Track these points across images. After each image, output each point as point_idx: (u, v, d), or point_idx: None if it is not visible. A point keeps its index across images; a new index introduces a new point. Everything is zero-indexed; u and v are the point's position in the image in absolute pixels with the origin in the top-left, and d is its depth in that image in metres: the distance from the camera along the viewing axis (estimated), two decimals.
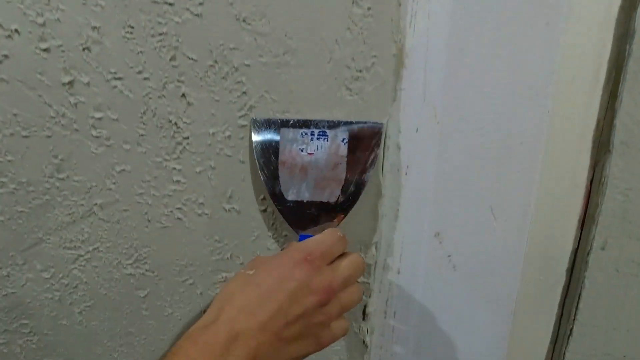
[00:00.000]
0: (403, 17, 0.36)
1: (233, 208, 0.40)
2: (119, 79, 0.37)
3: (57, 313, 0.45)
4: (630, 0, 0.34)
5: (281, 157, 0.37)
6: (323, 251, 0.33)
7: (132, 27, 0.35)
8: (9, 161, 0.39)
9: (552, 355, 0.44)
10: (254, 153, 0.37)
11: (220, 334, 0.29)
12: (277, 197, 0.37)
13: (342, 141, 0.36)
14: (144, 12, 0.35)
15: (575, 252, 0.41)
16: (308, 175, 0.37)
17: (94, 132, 0.38)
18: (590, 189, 0.39)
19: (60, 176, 0.40)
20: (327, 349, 0.38)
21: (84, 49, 0.36)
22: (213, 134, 0.38)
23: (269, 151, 0.37)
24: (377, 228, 0.40)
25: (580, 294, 0.41)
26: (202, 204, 0.40)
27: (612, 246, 0.39)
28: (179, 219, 0.41)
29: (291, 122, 0.37)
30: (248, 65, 0.36)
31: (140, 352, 0.45)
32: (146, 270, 0.43)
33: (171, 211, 0.41)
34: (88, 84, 0.37)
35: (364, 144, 0.37)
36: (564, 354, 0.42)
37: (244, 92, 0.37)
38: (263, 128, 0.37)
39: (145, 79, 0.37)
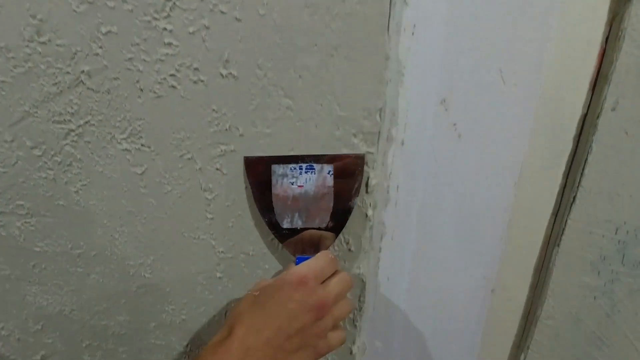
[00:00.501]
0: None
1: (230, 73, 0.38)
2: None
3: (53, 193, 0.43)
4: None
5: (274, 191, 0.41)
6: (316, 274, 0.38)
7: None
8: None
9: (553, 224, 0.44)
10: (250, 188, 0.41)
11: (234, 350, 0.34)
12: (273, 226, 0.42)
13: (328, 173, 0.40)
14: None
15: (584, 118, 0.40)
16: (300, 205, 0.41)
17: None
18: (605, 48, 0.38)
19: (42, 39, 0.37)
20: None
21: None
22: None
23: (263, 186, 0.41)
24: (382, 94, 0.39)
25: (586, 159, 0.40)
26: (196, 69, 0.38)
27: (623, 107, 0.38)
28: (172, 86, 0.39)
29: (281, 158, 0.40)
30: None
31: (141, 232, 0.45)
32: (141, 145, 0.41)
33: (164, 78, 0.38)
34: None
35: (348, 174, 0.40)
36: (566, 221, 0.43)
37: None
38: (255, 165, 0.41)
39: None
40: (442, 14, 0.37)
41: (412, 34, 0.38)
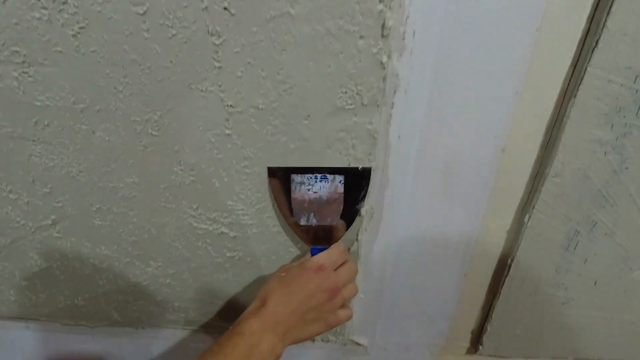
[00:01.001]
0: None
1: None
2: None
3: (49, 37, 0.41)
4: None
5: (293, 195, 0.49)
6: (331, 263, 0.49)
7: None
8: None
9: (571, 75, 0.43)
10: (272, 193, 0.49)
11: (268, 316, 0.45)
12: (291, 223, 0.50)
13: (340, 182, 0.48)
14: None
15: None
16: (314, 208, 0.49)
17: None
18: None
19: None
20: (340, 76, 0.36)
21: None
22: None
23: (283, 191, 0.48)
24: None
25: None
26: None
27: None
28: None
29: (299, 169, 0.47)
30: None
31: (145, 83, 0.43)
32: None
33: None
34: None
35: (356, 183, 0.48)
36: (585, 69, 0.41)
37: None
38: (278, 174, 0.48)
39: None
40: None
41: None
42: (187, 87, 0.43)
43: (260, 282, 0.57)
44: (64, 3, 0.39)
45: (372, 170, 0.48)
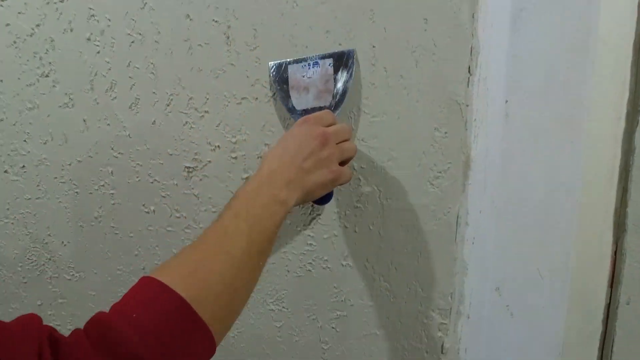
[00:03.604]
0: (469, 136, 0.53)
1: (348, 264, 0.58)
2: None
3: None
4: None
5: (291, 84, 0.55)
6: (315, 118, 0.51)
7: None
8: (201, 228, 0.60)
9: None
10: (273, 84, 0.56)
11: (264, 172, 0.46)
12: (291, 110, 0.56)
13: (329, 65, 0.54)
14: None
15: (609, 306, 0.54)
16: (310, 91, 0.54)
17: None
18: (615, 258, 0.53)
19: None
20: None
21: (258, 157, 0.57)
22: None
23: (282, 82, 0.55)
24: (452, 282, 0.56)
25: (613, 340, 0.53)
26: (326, 260, 0.58)
27: (635, 302, 0.52)
28: (309, 270, 0.59)
29: (296, 60, 0.55)
30: (363, 168, 0.55)
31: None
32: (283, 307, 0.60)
33: (304, 264, 0.59)
34: None
35: (343, 64, 0.54)
36: None
37: (360, 185, 0.56)
38: (277, 67, 0.55)
39: None
40: (493, 231, 0.55)
41: (472, 243, 0.56)
42: None
43: None
44: None
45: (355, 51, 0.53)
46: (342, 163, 0.50)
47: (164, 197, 0.60)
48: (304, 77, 0.54)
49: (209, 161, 0.58)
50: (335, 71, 0.54)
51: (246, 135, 0.56)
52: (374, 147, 0.55)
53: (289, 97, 0.55)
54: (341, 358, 0.59)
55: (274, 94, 0.57)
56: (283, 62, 0.55)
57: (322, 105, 0.54)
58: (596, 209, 0.52)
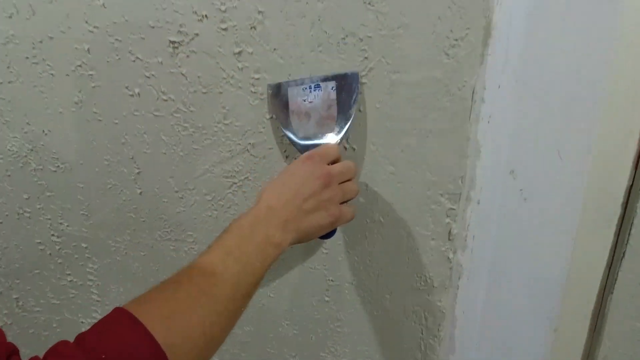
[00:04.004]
0: None
1: (352, 147, 0.53)
2: (275, 49, 0.51)
3: (213, 228, 0.60)
4: None
5: (291, 108, 0.51)
6: (320, 154, 0.48)
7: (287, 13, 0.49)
8: (191, 111, 0.55)
9: (607, 275, 0.53)
10: (271, 107, 0.52)
11: (261, 209, 0.44)
12: (291, 136, 0.51)
13: (332, 89, 0.50)
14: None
15: (630, 188, 0.50)
16: (311, 117, 0.51)
17: (252, 89, 0.53)
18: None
19: (226, 122, 0.55)
20: (417, 265, 0.51)
21: (251, 28, 0.50)
22: None
23: (282, 105, 0.51)
24: (464, 165, 0.52)
25: (632, 222, 0.50)
26: None
27: None
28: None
29: (295, 82, 0.50)
30: (370, 37, 0.49)
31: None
32: None
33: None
34: (252, 53, 0.51)
35: (347, 88, 0.50)
36: (617, 273, 0.52)
37: (366, 57, 0.50)
38: (276, 90, 0.51)
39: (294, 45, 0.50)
40: (511, 109, 0.50)
41: (488, 122, 0.51)
42: None
43: None
44: (228, 208, 0.58)
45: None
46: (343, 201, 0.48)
47: (148, 77, 0.54)
48: (304, 101, 0.50)
49: (196, 34, 0.51)
50: (338, 95, 0.50)
51: (237, 1, 0.49)
52: (382, 12, 0.48)
53: (290, 122, 0.51)
54: (341, 247, 0.57)
55: (272, 117, 0.53)
56: (282, 83, 0.51)
57: (324, 132, 0.51)
58: (627, 89, 0.47)
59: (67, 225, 0.64)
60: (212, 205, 0.59)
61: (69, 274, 0.67)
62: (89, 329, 0.34)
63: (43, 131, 0.59)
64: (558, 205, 0.52)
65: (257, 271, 0.41)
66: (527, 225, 0.54)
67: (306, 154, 0.48)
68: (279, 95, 0.51)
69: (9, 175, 0.62)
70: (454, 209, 0.53)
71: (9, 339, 0.32)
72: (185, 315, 0.36)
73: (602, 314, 0.54)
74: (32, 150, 0.61)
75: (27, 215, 0.64)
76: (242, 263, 0.40)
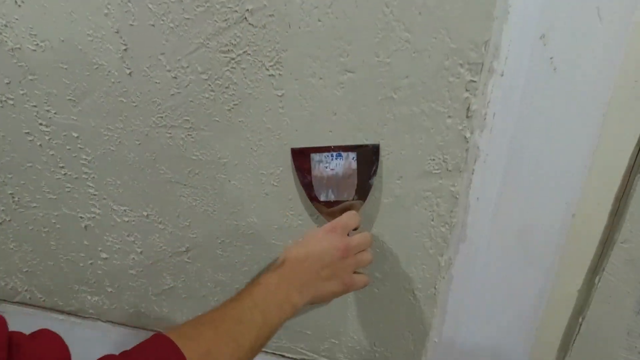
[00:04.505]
0: None
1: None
2: None
3: (211, 111, 0.55)
4: None
5: (313, 173, 0.54)
6: (342, 225, 0.53)
7: None
8: None
9: (636, 156, 0.49)
10: (295, 172, 0.55)
11: (286, 271, 0.50)
12: (313, 199, 0.56)
13: (352, 159, 0.53)
14: None
15: None
16: (332, 184, 0.54)
17: None
18: None
19: None
20: (430, 146, 0.46)
21: None
22: None
23: (304, 169, 0.54)
24: (488, 28, 0.46)
25: None
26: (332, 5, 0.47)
27: None
28: (319, 20, 0.49)
29: (316, 148, 0.53)
30: None
31: (274, 145, 0.56)
32: (284, 72, 0.52)
33: (308, 16, 0.48)
34: None
35: (367, 159, 0.53)
36: None
37: None
38: (299, 154, 0.54)
39: None
40: None
41: None
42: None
43: (346, 319, 0.66)
44: (226, 87, 0.54)
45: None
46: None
47: None
48: (326, 168, 0.54)
49: None
50: (359, 165, 0.53)
51: None
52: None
53: (312, 186, 0.54)
54: (352, 127, 0.53)
55: (296, 179, 0.56)
56: (305, 148, 0.54)
57: (345, 199, 0.55)
58: None
59: (55, 113, 0.60)
60: (209, 85, 0.54)
61: (63, 167, 0.64)
62: (132, 349, 0.40)
63: (15, 2, 0.53)
64: (591, 78, 0.47)
65: (274, 327, 0.47)
66: (554, 100, 0.49)
67: (330, 224, 0.53)
68: (302, 160, 0.54)
69: None
70: (474, 82, 0.48)
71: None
72: (215, 355, 0.43)
73: (626, 194, 0.51)
74: (5, 26, 0.55)
75: (11, 102, 0.60)
76: (265, 316, 0.47)
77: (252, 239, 0.63)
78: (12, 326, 0.35)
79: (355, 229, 0.54)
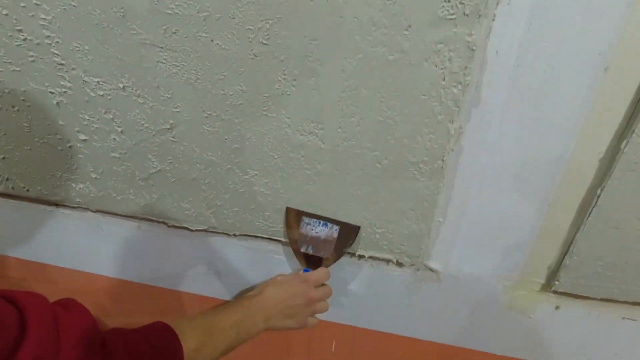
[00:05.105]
0: None
1: None
2: None
3: None
4: None
5: (300, 230, 0.66)
6: (315, 279, 0.66)
7: None
8: None
9: None
10: (287, 225, 0.66)
11: (262, 302, 0.64)
12: (295, 249, 0.67)
13: (335, 230, 0.65)
14: None
15: None
16: (314, 242, 0.66)
17: None
18: None
19: None
20: None
21: None
22: None
23: (295, 225, 0.66)
24: None
25: None
26: None
27: None
28: None
29: (308, 214, 0.65)
30: None
31: None
32: None
33: None
34: None
35: (346, 234, 0.65)
36: None
37: None
38: (294, 213, 0.65)
39: None
40: None
41: None
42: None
43: (345, 199, 0.62)
44: None
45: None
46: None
47: None
48: (312, 230, 0.65)
49: None
50: (338, 237, 0.65)
51: None
52: None
53: (297, 238, 0.66)
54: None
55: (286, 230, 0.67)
56: (299, 211, 0.65)
57: (320, 255, 0.67)
58: None
59: None
60: None
61: (21, 30, 0.56)
62: (139, 328, 0.53)
63: None
64: None
65: (241, 341, 0.62)
66: None
67: (306, 275, 0.66)
68: (294, 218, 0.65)
69: None
70: None
71: None
72: (204, 353, 0.57)
73: None
74: None
75: None
76: (238, 333, 0.61)
77: (241, 110, 0.57)
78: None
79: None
